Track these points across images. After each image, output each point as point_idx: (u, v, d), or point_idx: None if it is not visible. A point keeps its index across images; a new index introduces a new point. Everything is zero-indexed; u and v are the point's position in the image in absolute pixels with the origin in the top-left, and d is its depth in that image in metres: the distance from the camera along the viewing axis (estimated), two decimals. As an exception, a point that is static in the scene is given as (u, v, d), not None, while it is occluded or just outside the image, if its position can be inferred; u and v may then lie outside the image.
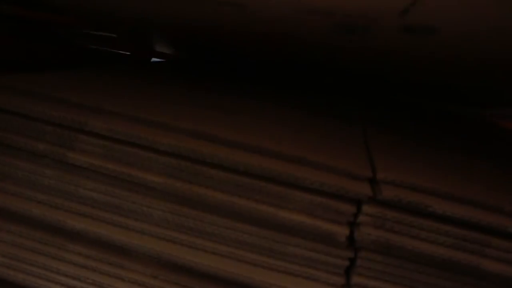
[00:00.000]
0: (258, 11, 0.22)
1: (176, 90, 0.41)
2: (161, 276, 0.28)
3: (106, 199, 0.28)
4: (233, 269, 0.27)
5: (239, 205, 0.26)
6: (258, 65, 0.61)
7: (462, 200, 0.26)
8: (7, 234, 0.29)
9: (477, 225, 0.25)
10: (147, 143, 0.27)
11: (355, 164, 0.28)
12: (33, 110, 0.28)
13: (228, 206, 0.27)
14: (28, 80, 0.32)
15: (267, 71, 0.64)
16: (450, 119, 0.64)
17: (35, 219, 0.28)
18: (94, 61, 0.49)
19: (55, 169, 0.29)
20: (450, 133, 0.50)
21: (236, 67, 0.59)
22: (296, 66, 0.57)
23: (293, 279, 0.27)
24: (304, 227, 0.26)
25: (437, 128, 0.52)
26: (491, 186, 0.29)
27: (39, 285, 0.28)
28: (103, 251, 0.28)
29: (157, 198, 0.28)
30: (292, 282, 0.27)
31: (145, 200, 0.28)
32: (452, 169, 0.31)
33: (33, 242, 0.29)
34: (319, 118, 0.41)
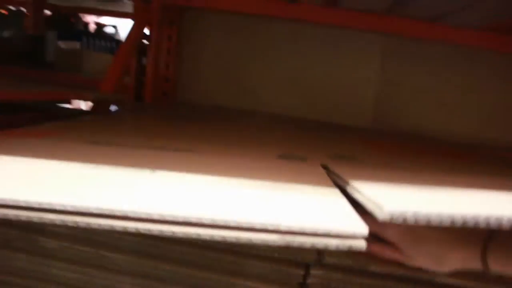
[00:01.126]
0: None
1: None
2: None
3: (77, 277, 0.30)
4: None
5: (198, 277, 0.29)
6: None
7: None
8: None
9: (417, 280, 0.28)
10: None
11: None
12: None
13: (188, 277, 0.29)
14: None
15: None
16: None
17: (12, 302, 0.31)
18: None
19: (27, 252, 0.31)
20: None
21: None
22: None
23: None
24: (259, 292, 0.29)
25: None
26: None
27: None
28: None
29: (125, 274, 0.30)
30: None
31: (114, 276, 0.30)
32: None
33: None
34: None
